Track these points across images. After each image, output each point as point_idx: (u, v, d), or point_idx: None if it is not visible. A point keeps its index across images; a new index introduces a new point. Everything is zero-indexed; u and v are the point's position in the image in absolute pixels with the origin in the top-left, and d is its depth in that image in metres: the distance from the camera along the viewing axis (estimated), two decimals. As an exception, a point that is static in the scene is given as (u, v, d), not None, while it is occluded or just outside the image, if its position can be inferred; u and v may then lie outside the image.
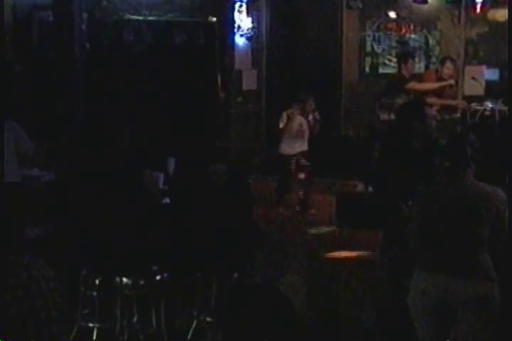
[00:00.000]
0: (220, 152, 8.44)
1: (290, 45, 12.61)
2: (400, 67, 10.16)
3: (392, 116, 8.61)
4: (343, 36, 12.54)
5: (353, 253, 8.06)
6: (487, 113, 10.27)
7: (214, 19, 10.77)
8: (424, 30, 12.40)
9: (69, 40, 9.05)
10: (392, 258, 5.56)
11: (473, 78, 11.02)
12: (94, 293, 5.67)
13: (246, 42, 11.36)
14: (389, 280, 5.76)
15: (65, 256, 6.15)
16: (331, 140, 11.43)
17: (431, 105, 9.53)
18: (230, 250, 5.68)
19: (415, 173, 5.23)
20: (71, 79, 9.13)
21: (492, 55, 11.63)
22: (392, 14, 12.40)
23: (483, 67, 11.31)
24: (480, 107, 10.42)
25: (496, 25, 11.50)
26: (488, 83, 11.06)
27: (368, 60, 12.72)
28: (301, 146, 9.96)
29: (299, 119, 9.84)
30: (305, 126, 9.88)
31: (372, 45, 12.65)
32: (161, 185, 6.74)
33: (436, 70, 10.28)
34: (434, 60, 12.16)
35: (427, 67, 12.21)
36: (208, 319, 5.73)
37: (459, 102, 10.63)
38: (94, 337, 5.67)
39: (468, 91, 11.22)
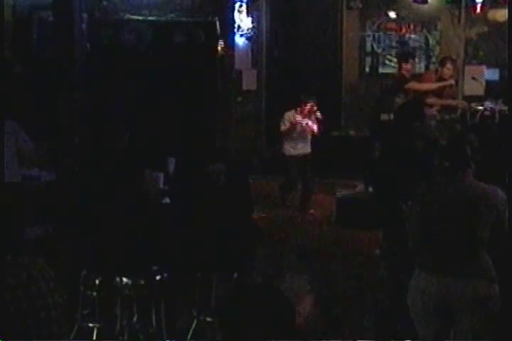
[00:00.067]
0: (220, 152, 8.43)
1: (290, 45, 12.61)
2: (400, 67, 10.15)
3: (392, 116, 8.61)
4: (343, 36, 12.54)
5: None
6: (487, 113, 10.26)
7: (215, 19, 10.77)
8: (424, 30, 12.40)
9: (69, 40, 9.04)
10: (392, 258, 5.56)
11: (473, 78, 11.03)
12: (94, 293, 5.66)
13: (246, 42, 11.36)
14: (389, 280, 5.76)
15: (65, 256, 6.15)
16: (330, 140, 11.43)
17: (431, 105, 9.54)
18: (230, 250, 5.68)
19: (415, 173, 5.22)
20: (71, 79, 9.13)
21: (492, 55, 11.64)
22: (392, 14, 12.40)
23: (483, 67, 11.32)
24: (480, 107, 10.42)
25: (495, 25, 11.51)
26: (488, 83, 11.07)
27: (368, 60, 12.72)
28: (304, 148, 9.92)
29: (301, 120, 9.81)
30: (307, 127, 9.84)
31: (372, 45, 12.66)
32: (161, 185, 6.73)
33: (436, 70, 10.27)
34: (434, 60, 12.17)
35: (427, 67, 12.22)
36: (208, 319, 5.73)
37: (459, 102, 10.63)
38: (94, 337, 5.66)
39: (468, 92, 11.24)
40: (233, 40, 11.08)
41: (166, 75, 10.36)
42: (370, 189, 8.30)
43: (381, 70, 12.62)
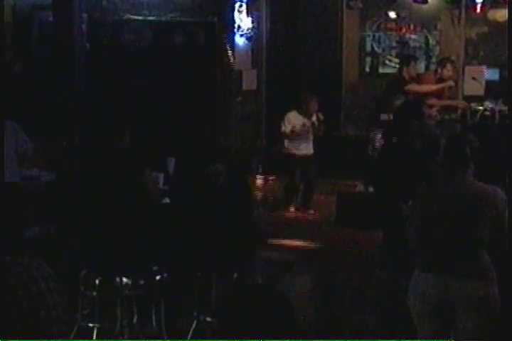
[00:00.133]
0: (220, 152, 8.43)
1: (290, 45, 12.61)
2: (401, 69, 10.13)
3: (392, 116, 8.61)
4: (343, 36, 12.54)
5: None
6: (487, 113, 10.27)
7: (215, 19, 10.77)
8: (424, 30, 12.41)
9: (69, 40, 9.03)
10: (392, 258, 5.56)
11: (473, 78, 11.03)
12: (94, 293, 5.67)
13: (246, 42, 11.36)
14: (389, 280, 5.76)
15: (65, 256, 6.15)
16: (330, 140, 11.43)
17: (431, 106, 9.54)
18: (230, 250, 5.68)
19: (415, 173, 5.22)
20: (71, 79, 9.13)
21: (492, 55, 11.65)
22: (392, 14, 12.40)
23: (483, 67, 11.32)
24: (480, 107, 10.43)
25: (496, 25, 11.51)
26: (488, 83, 11.07)
27: (368, 60, 12.73)
28: (307, 148, 9.88)
29: (302, 121, 9.77)
30: (309, 128, 9.81)
31: (372, 45, 12.66)
32: (161, 185, 6.73)
33: (436, 71, 10.27)
34: (434, 60, 12.16)
35: (427, 67, 12.22)
36: (208, 319, 5.73)
37: (459, 102, 10.63)
38: (94, 337, 5.67)
39: (468, 92, 11.24)
40: (233, 40, 11.07)
41: (166, 75, 10.36)
42: (370, 189, 8.30)
43: (381, 70, 12.63)
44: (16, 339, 1.72)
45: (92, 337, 5.66)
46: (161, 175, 6.80)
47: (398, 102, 8.71)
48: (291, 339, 2.31)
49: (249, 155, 11.41)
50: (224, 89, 10.99)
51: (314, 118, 9.78)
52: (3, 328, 1.71)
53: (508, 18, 8.38)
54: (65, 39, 9.06)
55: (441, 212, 4.41)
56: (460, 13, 11.82)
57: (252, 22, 11.39)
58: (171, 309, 5.80)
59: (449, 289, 4.34)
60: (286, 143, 9.89)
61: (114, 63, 10.30)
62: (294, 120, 9.76)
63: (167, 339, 5.70)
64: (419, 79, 10.15)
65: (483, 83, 11.04)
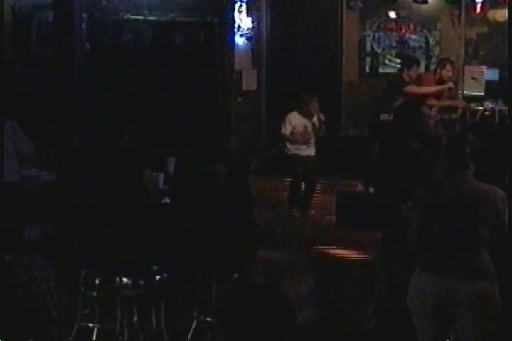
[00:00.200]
0: (220, 152, 8.43)
1: (290, 45, 12.60)
2: (402, 71, 10.12)
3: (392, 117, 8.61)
4: (343, 36, 12.53)
5: (350, 252, 8.05)
6: (487, 113, 10.26)
7: (215, 19, 10.76)
8: (424, 30, 12.40)
9: (69, 40, 9.04)
10: (392, 258, 5.56)
11: (473, 78, 11.03)
12: (94, 293, 5.67)
13: (246, 42, 11.36)
14: (389, 280, 5.76)
15: (65, 256, 6.16)
16: (330, 140, 11.42)
17: (430, 106, 9.54)
18: (230, 250, 5.68)
19: (415, 173, 5.23)
20: (71, 79, 9.13)
21: (492, 55, 11.63)
22: (392, 14, 12.39)
23: (483, 67, 11.31)
24: (480, 107, 10.42)
25: (495, 25, 11.50)
26: (488, 83, 11.06)
27: (368, 60, 12.71)
28: (308, 149, 9.85)
29: (303, 122, 9.74)
30: (310, 129, 9.76)
31: (372, 45, 12.65)
32: (161, 185, 6.73)
33: (435, 72, 10.27)
34: (434, 60, 12.15)
35: (427, 67, 12.20)
36: (208, 319, 5.73)
37: (459, 102, 10.63)
38: (94, 337, 5.67)
39: (468, 92, 11.22)
40: (233, 40, 11.07)
41: (166, 75, 10.36)
42: (370, 189, 8.30)
43: (381, 70, 12.61)
44: (15, 339, 1.72)
45: (92, 337, 5.66)
46: (161, 175, 6.80)
47: (397, 103, 8.71)
48: (291, 339, 2.31)
49: (249, 155, 11.40)
50: (224, 89, 10.99)
51: (315, 118, 9.74)
52: (3, 328, 1.71)
53: (508, 18, 8.37)
54: (65, 39, 9.06)
55: (441, 212, 4.41)
56: (460, 13, 11.81)
57: (252, 22, 11.39)
58: (171, 309, 5.80)
59: (449, 289, 4.34)
60: (287, 145, 9.85)
61: (114, 63, 10.29)
62: (294, 121, 9.73)
63: (167, 339, 5.70)
64: (418, 80, 10.14)
65: (483, 83, 11.04)
